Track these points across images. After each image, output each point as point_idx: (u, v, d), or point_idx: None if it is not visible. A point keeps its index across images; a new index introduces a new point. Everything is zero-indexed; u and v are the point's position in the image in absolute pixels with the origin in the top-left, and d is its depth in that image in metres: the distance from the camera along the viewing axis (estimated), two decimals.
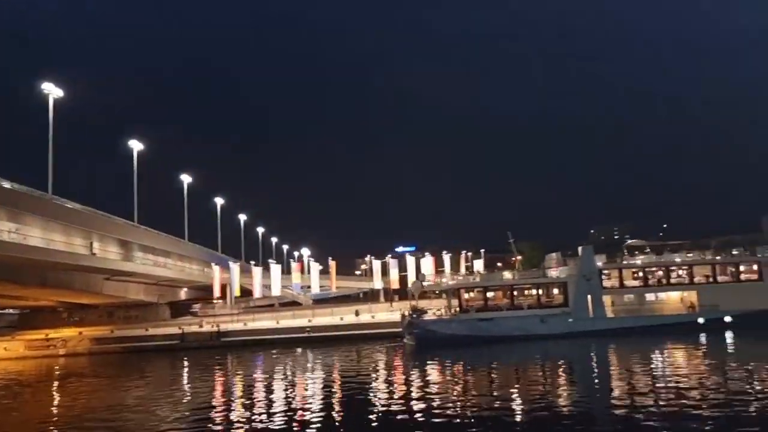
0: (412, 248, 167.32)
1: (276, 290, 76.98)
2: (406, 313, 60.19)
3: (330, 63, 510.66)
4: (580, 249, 61.77)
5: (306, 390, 38.60)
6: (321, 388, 38.99)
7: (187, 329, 67.06)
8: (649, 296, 60.72)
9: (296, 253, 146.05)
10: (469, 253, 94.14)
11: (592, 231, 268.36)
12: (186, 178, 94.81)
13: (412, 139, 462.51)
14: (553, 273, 60.96)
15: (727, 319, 57.88)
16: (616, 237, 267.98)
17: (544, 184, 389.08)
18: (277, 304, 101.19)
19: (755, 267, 60.34)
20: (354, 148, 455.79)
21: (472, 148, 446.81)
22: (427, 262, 77.46)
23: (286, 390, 38.83)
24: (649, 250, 63.59)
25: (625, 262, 61.86)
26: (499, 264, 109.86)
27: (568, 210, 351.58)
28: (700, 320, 57.77)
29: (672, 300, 60.76)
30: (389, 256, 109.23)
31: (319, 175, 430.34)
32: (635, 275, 61.07)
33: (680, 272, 61.02)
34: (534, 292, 60.58)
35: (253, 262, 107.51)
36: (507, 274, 61.10)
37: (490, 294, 59.67)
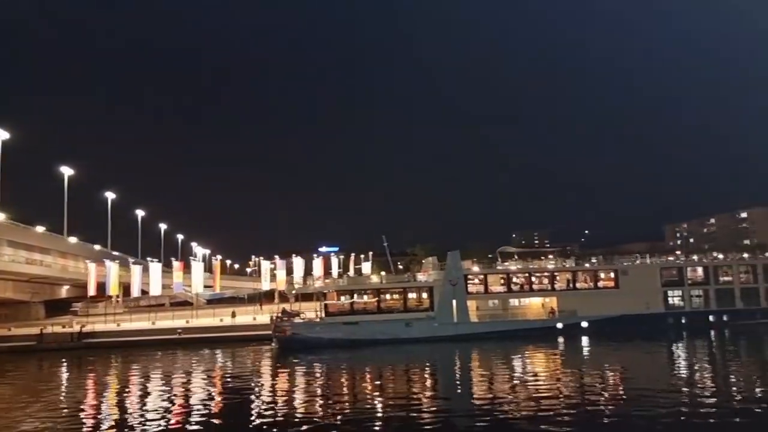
0: (335, 249, 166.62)
1: (156, 290, 74.47)
2: (275, 316, 59.77)
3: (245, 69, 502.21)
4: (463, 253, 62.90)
5: (147, 396, 36.95)
6: (169, 394, 37.39)
7: (49, 330, 63.77)
8: (513, 301, 62.43)
9: (202, 252, 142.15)
10: (362, 255, 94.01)
11: (513, 235, 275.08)
12: (66, 171, 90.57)
13: (359, 130, 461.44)
14: (421, 277, 61.74)
15: (584, 324, 60.34)
16: (536, 242, 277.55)
17: (482, 185, 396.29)
18: (168, 303, 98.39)
19: (612, 275, 63.17)
20: (294, 139, 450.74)
21: (426, 146, 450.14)
22: (317, 264, 76.89)
23: (121, 396, 37.31)
24: (517, 257, 65.26)
25: (489, 268, 63.32)
26: (400, 266, 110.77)
27: (497, 214, 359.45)
28: (559, 325, 59.92)
29: (534, 306, 62.70)
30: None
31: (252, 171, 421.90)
32: (505, 281, 62.96)
33: (543, 279, 63.02)
34: (410, 296, 60.97)
35: (154, 260, 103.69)
36: (375, 278, 61.37)
37: (369, 297, 59.87)
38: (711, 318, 62.94)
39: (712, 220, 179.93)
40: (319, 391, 36.93)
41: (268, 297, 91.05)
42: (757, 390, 33.80)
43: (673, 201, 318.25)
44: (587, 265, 66.32)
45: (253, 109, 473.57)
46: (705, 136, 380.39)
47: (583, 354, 52.66)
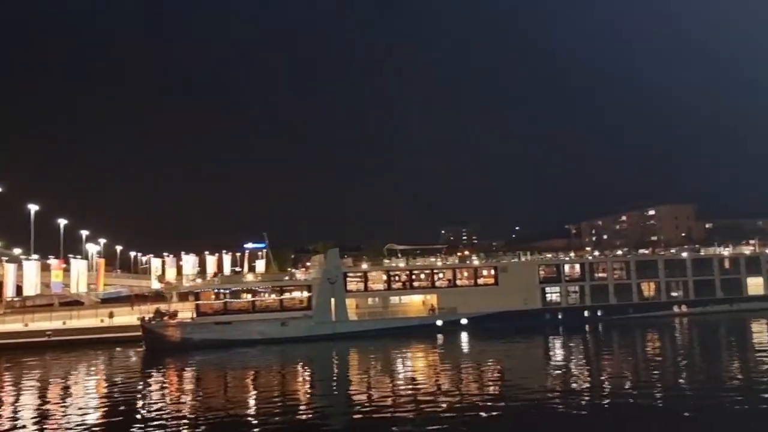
0: (262, 245, 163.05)
1: (30, 289, 70.50)
2: (146, 317, 57.52)
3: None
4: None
5: None
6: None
7: None
8: (394, 299, 62.49)
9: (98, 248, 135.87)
10: (246, 252, 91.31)
11: (443, 232, 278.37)
12: None
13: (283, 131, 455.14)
14: (299, 276, 60.86)
15: (464, 321, 61.03)
16: (464, 238, 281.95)
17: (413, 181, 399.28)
18: (56, 303, 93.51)
19: (492, 272, 64.20)
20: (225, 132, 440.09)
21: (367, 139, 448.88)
22: (189, 261, 74.70)
23: None
24: (400, 254, 65.31)
25: (369, 266, 63.12)
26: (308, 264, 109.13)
27: (428, 211, 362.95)
28: (439, 322, 60.35)
29: (415, 303, 63.00)
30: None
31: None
32: (396, 278, 62.97)
33: (423, 276, 63.34)
34: (288, 295, 59.88)
35: (31, 257, 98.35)
36: (250, 277, 60.07)
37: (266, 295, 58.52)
38: (586, 313, 65.01)
39: (624, 218, 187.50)
40: (184, 396, 35.51)
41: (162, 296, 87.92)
42: (627, 383, 34.87)
43: (595, 199, 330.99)
44: (468, 262, 67.01)
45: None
46: (623, 136, 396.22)
47: (461, 350, 53.24)
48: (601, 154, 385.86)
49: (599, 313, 64.99)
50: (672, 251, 74.09)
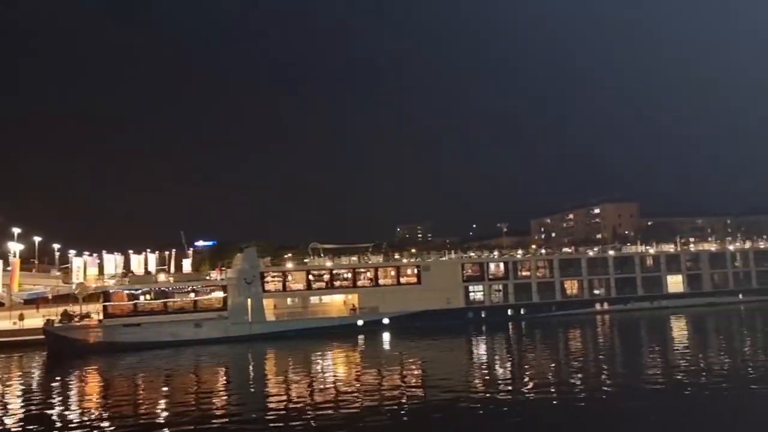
0: (212, 243, 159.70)
1: None
2: (51, 319, 55.14)
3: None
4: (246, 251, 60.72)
5: None
6: None
7: None
8: (314, 299, 61.52)
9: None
10: (173, 251, 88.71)
11: (398, 229, 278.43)
12: None
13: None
14: (215, 275, 59.27)
15: (385, 320, 60.47)
16: (419, 235, 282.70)
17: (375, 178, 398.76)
18: None
19: (415, 271, 63.83)
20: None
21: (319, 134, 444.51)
22: (111, 261, 71.98)
23: None
24: (323, 254, 64.29)
25: (287, 266, 62.02)
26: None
27: (385, 208, 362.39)
28: (360, 322, 59.62)
29: (336, 303, 62.20)
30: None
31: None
32: (319, 278, 61.92)
33: (345, 276, 62.53)
34: (205, 295, 58.03)
35: None
36: (162, 277, 58.15)
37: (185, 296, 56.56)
38: (509, 312, 65.30)
39: (571, 216, 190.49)
40: (83, 403, 33.46)
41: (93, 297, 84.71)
42: (548, 380, 34.78)
43: (551, 197, 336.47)
44: (392, 261, 66.45)
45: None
46: (575, 136, 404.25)
47: (382, 350, 52.57)
48: (558, 154, 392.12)
49: (522, 312, 65.42)
50: (595, 250, 75.10)
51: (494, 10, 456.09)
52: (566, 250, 77.25)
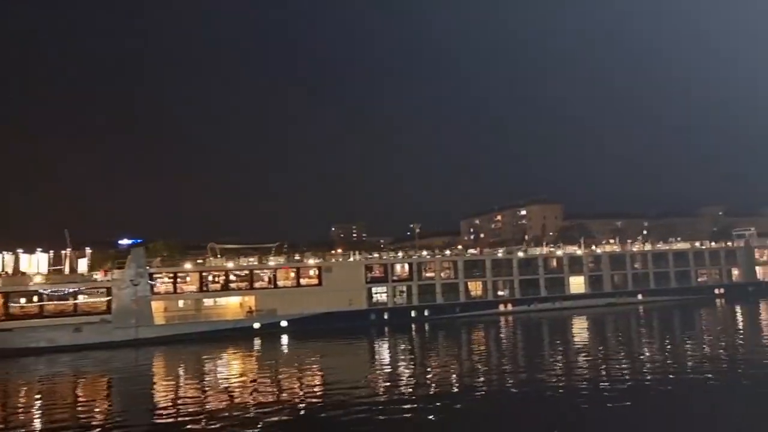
0: (137, 241, 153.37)
1: None
2: None
3: None
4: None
5: None
6: None
7: None
8: (208, 301, 59.22)
9: None
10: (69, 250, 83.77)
11: (333, 228, 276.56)
12: None
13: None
14: (98, 277, 56.06)
15: (284, 323, 58.85)
16: (353, 235, 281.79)
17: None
18: None
19: (315, 272, 62.50)
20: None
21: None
22: (24, 261, 66.98)
23: None
24: (220, 254, 62.04)
25: (184, 266, 59.57)
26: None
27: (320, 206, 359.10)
28: (256, 325, 57.77)
29: (232, 305, 60.05)
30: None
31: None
32: (215, 279, 59.50)
33: (242, 277, 60.59)
34: (86, 298, 54.66)
35: None
36: (38, 278, 54.53)
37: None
38: (413, 313, 64.89)
39: (499, 217, 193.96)
40: None
41: None
42: (449, 381, 34.29)
43: (479, 197, 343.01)
44: (290, 262, 64.77)
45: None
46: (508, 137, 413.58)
47: (279, 353, 50.93)
48: (494, 155, 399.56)
49: (426, 313, 65.15)
50: (500, 251, 75.88)
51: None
52: (471, 251, 77.69)
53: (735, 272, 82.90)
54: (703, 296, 78.15)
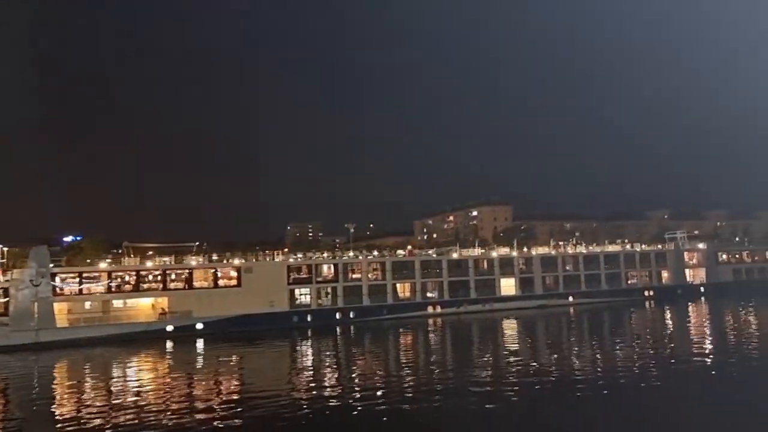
0: (77, 239, 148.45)
1: None
2: None
3: None
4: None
5: None
6: None
7: None
8: (118, 303, 56.52)
9: None
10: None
11: (288, 227, 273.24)
12: None
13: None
14: None
15: (199, 326, 56.62)
16: (309, 234, 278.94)
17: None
18: None
19: (234, 273, 60.43)
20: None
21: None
22: None
23: None
24: (133, 254, 59.32)
25: (84, 266, 56.76)
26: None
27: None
28: (170, 328, 55.41)
29: (143, 307, 57.50)
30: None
31: None
32: (129, 279, 56.79)
33: (156, 277, 58.11)
34: None
35: None
36: None
37: None
38: (338, 315, 63.37)
39: (451, 217, 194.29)
40: None
41: None
42: (372, 384, 33.11)
43: (440, 196, 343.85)
44: (209, 262, 62.50)
45: None
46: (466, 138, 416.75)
47: (194, 358, 48.60)
48: (449, 157, 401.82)
49: (352, 315, 63.70)
50: (428, 252, 75.05)
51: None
52: (400, 252, 76.62)
53: (665, 274, 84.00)
54: (633, 298, 78.81)
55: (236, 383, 36.49)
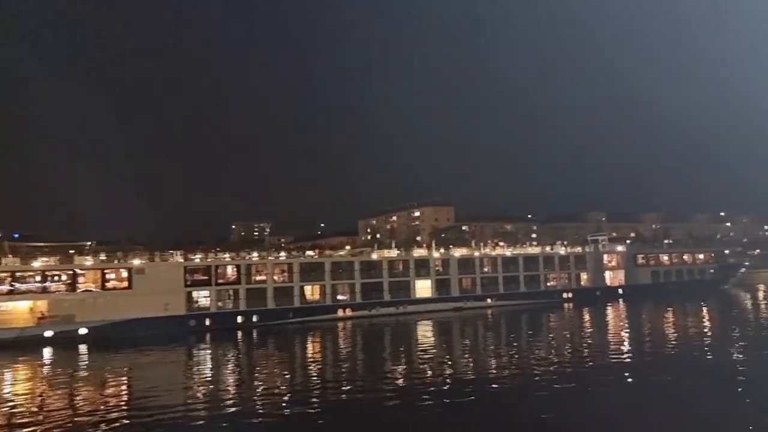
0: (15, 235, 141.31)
1: None
2: None
3: None
4: None
5: None
6: None
7: None
8: None
9: None
10: None
11: (234, 226, 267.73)
12: None
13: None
14: None
15: (83, 331, 53.01)
16: (255, 234, 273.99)
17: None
18: None
19: (125, 274, 57.00)
20: None
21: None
22: None
23: None
24: (9, 254, 55.17)
25: None
26: None
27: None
28: (48, 333, 51.61)
29: (20, 311, 53.54)
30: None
31: None
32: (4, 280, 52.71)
33: (34, 279, 54.29)
34: None
35: None
36: None
37: None
38: (240, 319, 60.57)
39: (394, 218, 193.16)
40: None
41: None
42: (279, 390, 31.65)
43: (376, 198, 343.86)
44: (96, 262, 58.67)
45: None
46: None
47: (75, 366, 44.96)
48: (399, 158, 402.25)
49: (255, 319, 60.98)
50: (341, 253, 73.01)
51: None
52: (309, 253, 74.25)
53: (584, 277, 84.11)
54: (552, 300, 78.50)
55: (123, 393, 34.06)
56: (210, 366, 43.21)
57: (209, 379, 37.63)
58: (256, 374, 38.63)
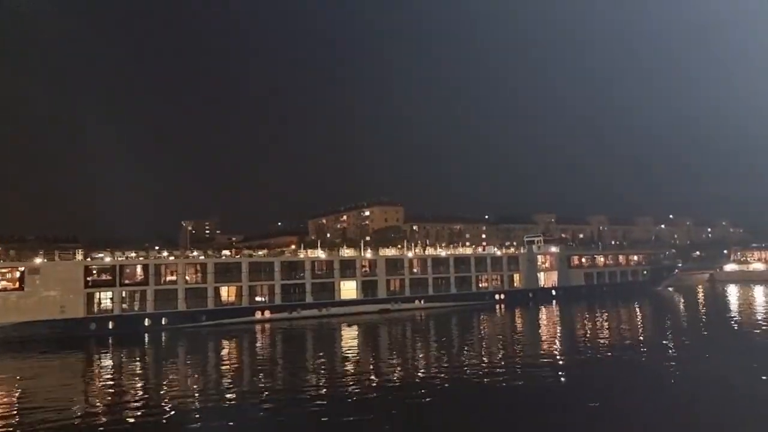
0: None
1: None
2: None
3: None
4: None
5: None
6: None
7: None
8: None
9: None
10: None
11: (183, 223, 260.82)
12: None
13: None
14: None
15: None
16: (207, 232, 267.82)
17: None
18: None
19: (17, 274, 53.16)
20: None
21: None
22: None
23: None
24: None
25: None
26: None
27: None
28: None
29: None
30: None
31: None
32: None
33: None
34: None
35: None
36: None
37: None
38: (147, 322, 57.28)
39: (344, 217, 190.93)
40: None
41: None
42: (189, 396, 30.04)
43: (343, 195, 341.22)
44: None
45: None
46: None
47: None
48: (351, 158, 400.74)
49: (164, 321, 57.76)
50: (259, 254, 70.32)
51: None
52: (226, 252, 71.24)
53: (516, 278, 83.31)
54: (483, 302, 77.39)
55: (10, 405, 30.61)
56: (112, 374, 40.01)
57: (109, 388, 34.32)
58: (163, 381, 35.87)
